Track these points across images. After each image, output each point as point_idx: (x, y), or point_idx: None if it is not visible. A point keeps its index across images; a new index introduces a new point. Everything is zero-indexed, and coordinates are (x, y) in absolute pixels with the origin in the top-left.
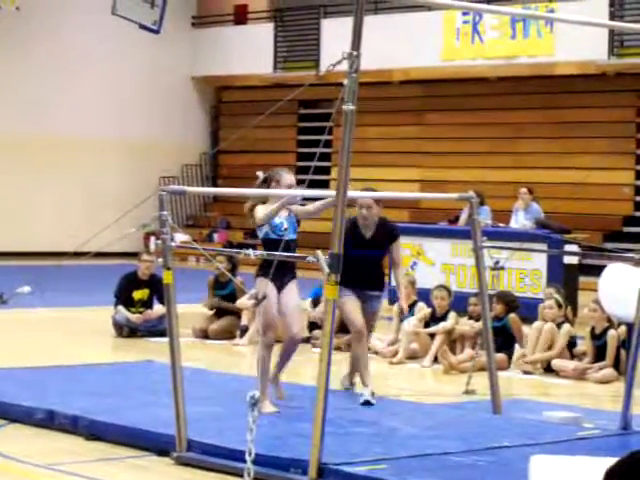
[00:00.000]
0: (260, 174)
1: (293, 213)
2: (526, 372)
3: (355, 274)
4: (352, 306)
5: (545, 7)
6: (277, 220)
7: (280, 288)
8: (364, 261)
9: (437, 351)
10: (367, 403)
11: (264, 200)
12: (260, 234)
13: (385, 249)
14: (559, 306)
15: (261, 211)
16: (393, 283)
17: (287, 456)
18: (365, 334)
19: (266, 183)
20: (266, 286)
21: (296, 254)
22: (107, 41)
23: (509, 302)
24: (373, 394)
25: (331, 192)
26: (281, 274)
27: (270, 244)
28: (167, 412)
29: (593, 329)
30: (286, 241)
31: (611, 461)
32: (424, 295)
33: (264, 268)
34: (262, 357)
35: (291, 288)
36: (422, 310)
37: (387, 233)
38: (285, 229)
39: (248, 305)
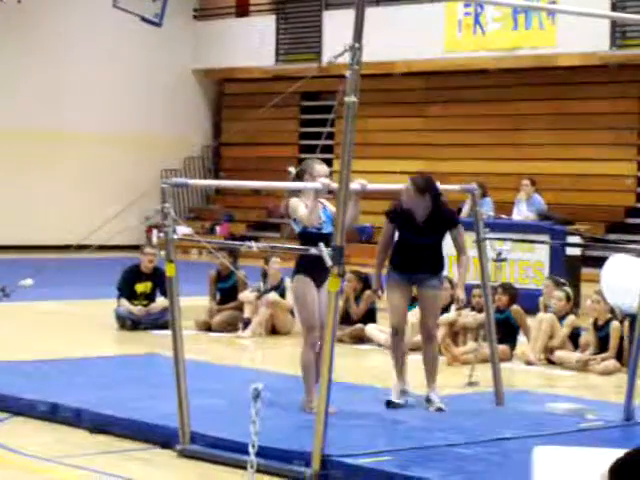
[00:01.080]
0: (292, 169)
1: (328, 207)
2: (529, 363)
3: (407, 258)
4: (398, 300)
5: None
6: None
7: (319, 285)
8: (417, 247)
9: (440, 343)
10: (389, 404)
11: (296, 194)
12: (297, 228)
13: (439, 236)
14: (567, 299)
15: (299, 207)
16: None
17: (290, 448)
18: (401, 333)
19: (300, 178)
20: (306, 284)
21: (298, 246)
22: (108, 34)
23: (512, 294)
24: (406, 392)
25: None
26: (320, 270)
27: (307, 238)
28: (170, 405)
29: (596, 320)
30: (324, 234)
31: (614, 452)
32: None
33: (302, 265)
34: (306, 359)
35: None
36: None
37: (442, 220)
38: (322, 222)
39: (250, 298)
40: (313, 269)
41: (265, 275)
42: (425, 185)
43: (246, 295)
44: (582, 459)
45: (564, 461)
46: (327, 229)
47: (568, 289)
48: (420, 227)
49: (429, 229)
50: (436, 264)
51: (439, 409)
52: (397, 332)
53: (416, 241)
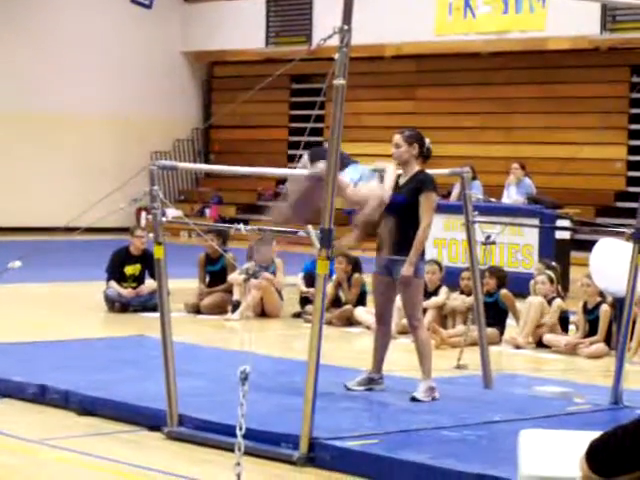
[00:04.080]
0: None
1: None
2: (518, 347)
3: (385, 229)
4: (376, 294)
5: None
6: (355, 175)
7: None
8: (390, 208)
9: (428, 326)
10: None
11: None
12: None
13: (409, 197)
14: (551, 281)
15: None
16: None
17: (278, 431)
18: (382, 323)
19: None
20: None
21: (289, 229)
22: (99, 16)
23: (501, 277)
24: (373, 380)
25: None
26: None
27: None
28: (158, 387)
29: (585, 304)
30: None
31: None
32: None
33: None
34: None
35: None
36: None
37: (417, 182)
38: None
39: (239, 280)
40: None
41: (250, 257)
42: (414, 135)
43: (235, 277)
44: (568, 442)
45: (551, 444)
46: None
47: (549, 271)
48: (399, 187)
49: (404, 190)
50: (407, 240)
51: (412, 398)
52: (377, 322)
53: (392, 199)
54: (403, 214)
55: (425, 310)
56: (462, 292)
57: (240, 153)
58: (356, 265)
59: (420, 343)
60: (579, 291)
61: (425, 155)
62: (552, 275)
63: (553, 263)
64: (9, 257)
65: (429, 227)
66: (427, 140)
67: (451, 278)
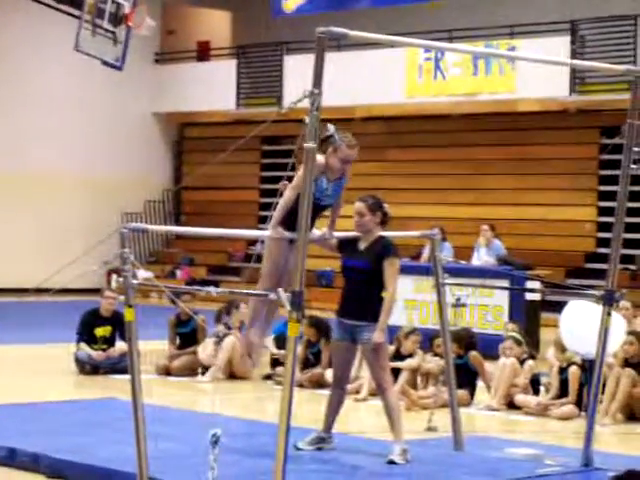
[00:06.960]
0: (331, 128)
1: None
2: (491, 409)
3: (345, 291)
4: (336, 358)
5: (507, 44)
6: (324, 184)
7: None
8: (353, 273)
9: (400, 388)
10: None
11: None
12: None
13: (373, 263)
14: (518, 344)
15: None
16: None
17: None
18: (340, 386)
19: (325, 142)
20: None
21: (257, 292)
22: (70, 77)
23: (464, 340)
24: (323, 439)
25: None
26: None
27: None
28: (129, 450)
29: (559, 365)
30: (321, 206)
31: None
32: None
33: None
34: (253, 303)
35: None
36: None
37: (380, 248)
38: (327, 194)
39: (209, 344)
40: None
41: (219, 319)
42: (376, 203)
43: (205, 344)
44: None
45: None
46: (327, 201)
47: (514, 334)
48: (359, 253)
49: (365, 255)
50: (370, 308)
51: (390, 461)
52: (334, 385)
53: (351, 265)
54: (366, 279)
55: (399, 371)
56: (435, 354)
57: (211, 214)
58: (327, 331)
59: (390, 406)
60: (550, 356)
61: (384, 221)
62: (518, 337)
63: (512, 325)
64: None
65: (395, 292)
66: (386, 205)
67: (422, 340)
